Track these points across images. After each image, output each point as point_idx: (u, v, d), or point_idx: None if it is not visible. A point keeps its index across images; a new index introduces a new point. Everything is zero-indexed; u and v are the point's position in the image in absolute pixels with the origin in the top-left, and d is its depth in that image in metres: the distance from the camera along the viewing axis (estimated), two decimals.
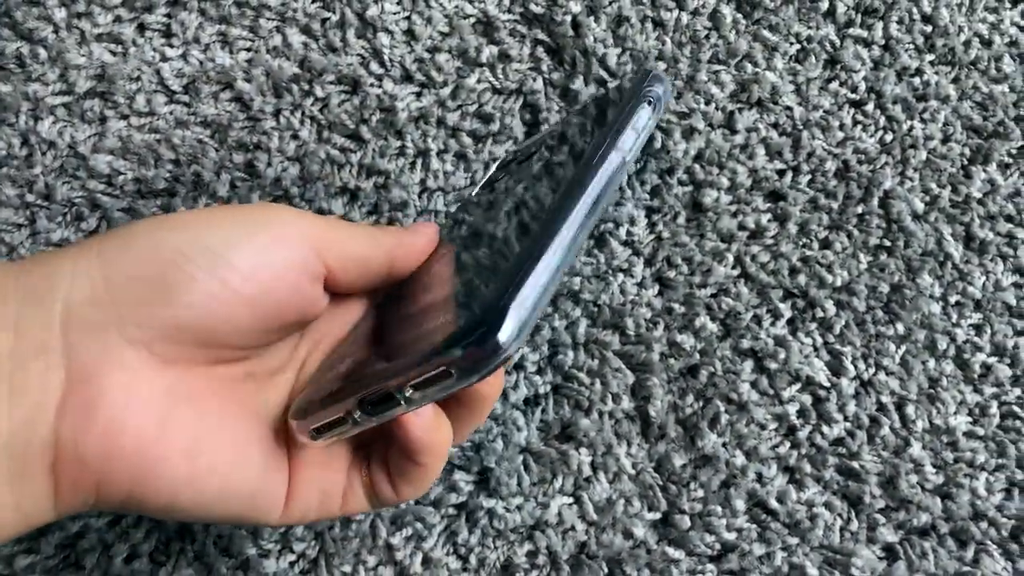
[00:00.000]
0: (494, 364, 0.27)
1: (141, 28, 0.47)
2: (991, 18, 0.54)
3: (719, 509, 0.45)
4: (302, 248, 0.31)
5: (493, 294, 0.28)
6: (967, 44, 0.53)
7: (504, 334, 0.27)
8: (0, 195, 0.44)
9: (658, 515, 0.45)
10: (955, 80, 0.53)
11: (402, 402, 0.29)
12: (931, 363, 0.48)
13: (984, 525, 0.45)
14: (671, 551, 0.44)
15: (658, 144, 0.49)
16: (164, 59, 0.47)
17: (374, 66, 0.48)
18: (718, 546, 0.44)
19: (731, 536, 0.44)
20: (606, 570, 0.43)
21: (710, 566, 0.44)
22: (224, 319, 0.29)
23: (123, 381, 0.27)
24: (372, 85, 0.48)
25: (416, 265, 0.36)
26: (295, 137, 0.47)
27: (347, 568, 0.42)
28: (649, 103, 0.40)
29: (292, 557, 0.42)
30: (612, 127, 0.38)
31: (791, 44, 0.52)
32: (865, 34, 0.52)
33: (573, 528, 0.44)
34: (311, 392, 0.32)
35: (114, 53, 0.47)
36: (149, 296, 0.28)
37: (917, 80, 0.53)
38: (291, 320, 0.32)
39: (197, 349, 0.29)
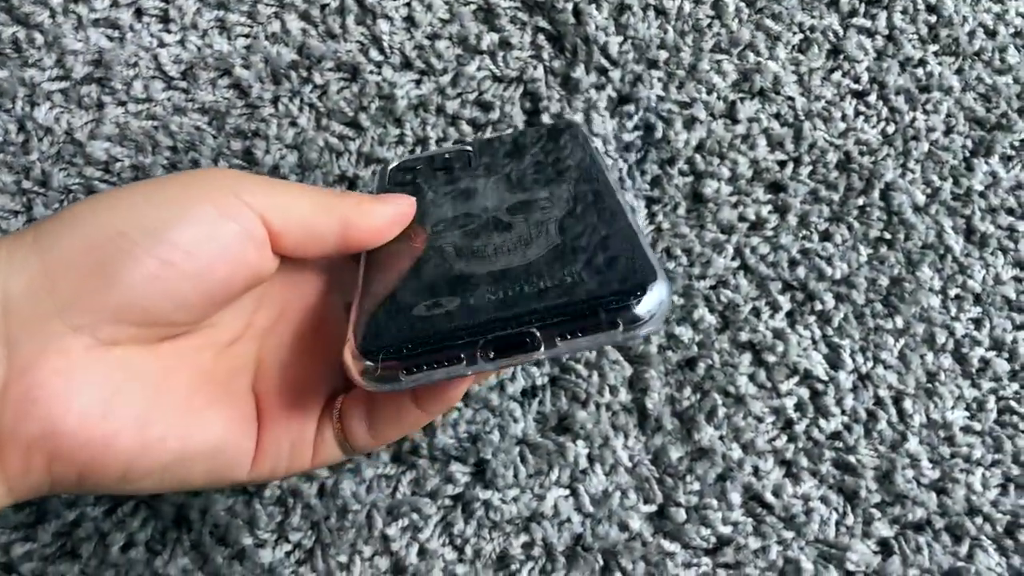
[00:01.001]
0: (649, 326, 0.27)
1: (138, 13, 0.46)
2: (996, 8, 0.52)
3: (715, 502, 0.44)
4: (244, 215, 0.30)
5: (633, 257, 0.29)
6: (971, 34, 0.52)
7: (661, 293, 0.27)
8: None
9: (654, 508, 0.44)
10: (959, 71, 0.52)
11: (541, 349, 0.27)
12: (929, 357, 0.47)
13: (979, 520, 0.45)
14: (667, 544, 0.43)
15: (659, 134, 0.48)
16: (161, 45, 0.46)
17: (373, 53, 0.47)
18: (714, 539, 0.43)
19: (727, 529, 0.44)
20: (601, 562, 0.43)
21: (705, 559, 0.43)
22: (168, 297, 0.29)
23: (64, 367, 0.27)
24: (371, 72, 0.47)
25: (380, 238, 0.33)
26: (293, 124, 0.46)
27: (343, 558, 0.42)
28: None
29: (288, 547, 0.42)
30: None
31: (794, 34, 0.51)
32: (869, 24, 0.51)
33: (569, 520, 0.43)
34: (384, 327, 0.29)
35: (111, 38, 0.46)
36: (89, 282, 0.27)
37: (920, 71, 0.51)
38: (239, 288, 0.31)
39: (144, 328, 0.29)
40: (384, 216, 0.33)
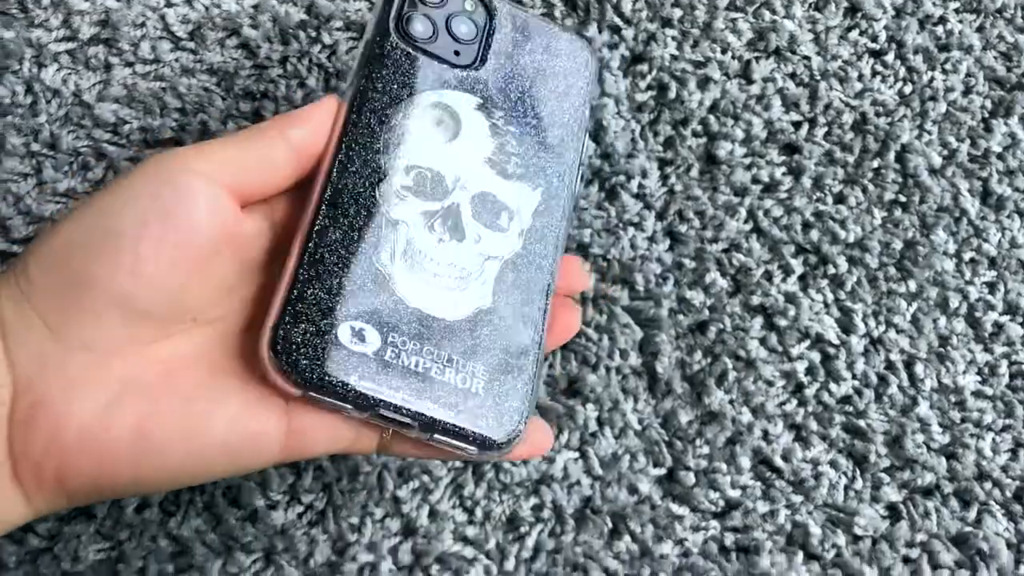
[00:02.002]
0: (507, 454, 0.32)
1: None
2: None
3: (724, 466, 0.43)
4: (179, 176, 0.29)
5: (517, 403, 0.32)
6: None
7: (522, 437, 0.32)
8: (5, 144, 0.42)
9: (663, 471, 0.43)
10: (979, 29, 0.50)
11: (414, 432, 0.31)
12: (942, 321, 0.46)
13: (988, 485, 0.44)
14: (675, 507, 0.43)
15: (672, 94, 0.47)
16: (169, 5, 0.45)
17: None
18: (722, 503, 0.43)
19: (735, 493, 0.43)
20: (610, 525, 0.42)
21: (714, 523, 0.43)
22: (141, 287, 0.28)
23: (61, 384, 0.28)
24: None
25: (317, 128, 0.32)
26: (302, 85, 0.45)
27: (354, 520, 0.41)
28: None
29: (300, 508, 0.41)
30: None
31: None
32: None
33: (578, 483, 0.43)
34: (302, 339, 0.30)
35: None
36: (62, 295, 0.28)
37: (940, 29, 0.50)
38: (223, 269, 0.31)
39: (135, 328, 0.29)
40: (311, 114, 0.32)
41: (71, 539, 0.40)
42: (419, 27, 0.35)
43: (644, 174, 0.46)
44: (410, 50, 0.35)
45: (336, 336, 0.30)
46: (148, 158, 0.30)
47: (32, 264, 0.28)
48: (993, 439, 0.45)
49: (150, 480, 0.29)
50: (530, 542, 0.42)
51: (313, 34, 0.45)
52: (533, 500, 0.42)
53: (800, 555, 0.42)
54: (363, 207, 0.32)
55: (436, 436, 0.31)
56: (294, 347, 0.30)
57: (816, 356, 0.45)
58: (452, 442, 0.31)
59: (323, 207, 0.32)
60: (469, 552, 0.41)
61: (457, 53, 0.36)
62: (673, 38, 0.48)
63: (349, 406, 0.30)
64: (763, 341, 0.45)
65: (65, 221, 0.29)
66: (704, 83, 0.47)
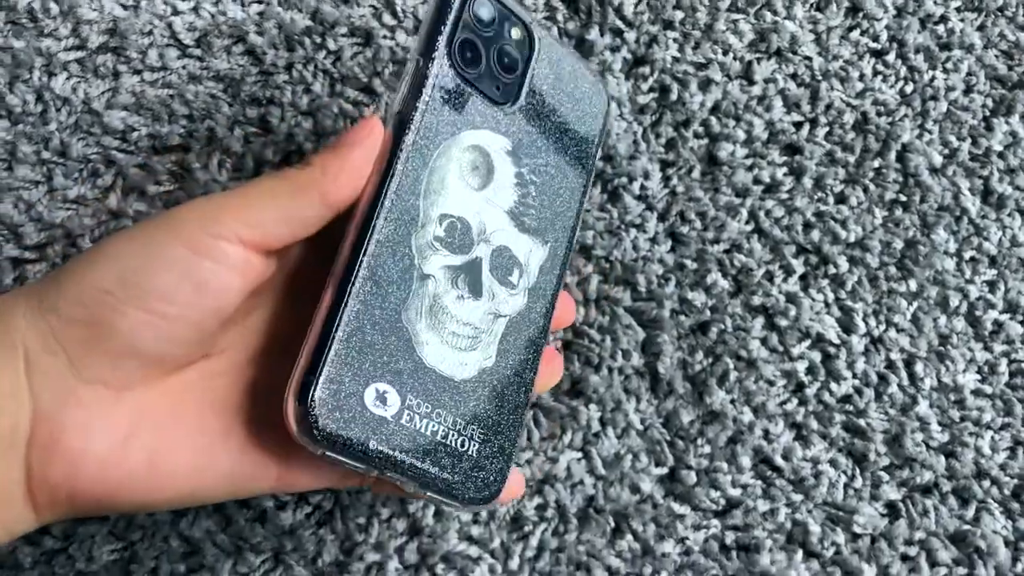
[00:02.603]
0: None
1: None
2: None
3: (725, 465, 0.43)
4: (217, 249, 0.29)
5: (501, 469, 0.33)
6: None
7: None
8: (17, 152, 0.43)
9: (665, 470, 0.44)
10: (980, 27, 0.50)
11: (410, 489, 0.32)
12: (942, 320, 0.46)
13: (986, 484, 0.44)
14: (677, 506, 0.43)
15: (674, 96, 0.47)
16: (176, 13, 0.45)
17: (387, 17, 0.46)
18: (723, 502, 0.43)
19: (736, 492, 0.43)
20: (613, 524, 0.43)
21: (715, 521, 0.43)
22: (162, 340, 0.29)
23: (82, 418, 0.29)
24: (385, 37, 0.46)
25: (358, 183, 0.31)
26: (308, 91, 0.45)
27: (361, 520, 0.42)
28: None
29: (308, 509, 0.42)
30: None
31: None
32: None
33: (582, 482, 0.43)
34: (329, 402, 0.29)
35: (125, 7, 0.44)
36: (88, 338, 0.29)
37: (941, 28, 0.49)
38: (233, 307, 0.31)
39: (150, 370, 0.30)
40: (354, 167, 0.31)
41: (85, 540, 0.40)
42: (470, 54, 0.33)
43: (646, 176, 0.46)
44: (459, 80, 0.32)
45: (363, 399, 0.30)
46: (185, 209, 0.30)
47: (62, 304, 0.29)
48: (992, 437, 0.45)
49: (155, 505, 0.31)
50: (534, 541, 0.42)
51: (318, 40, 0.45)
52: (537, 500, 0.43)
53: (800, 553, 0.43)
54: (400, 259, 0.31)
55: (429, 493, 0.32)
56: (322, 408, 0.29)
57: (817, 356, 0.45)
58: (441, 499, 0.32)
59: (363, 257, 0.30)
60: (474, 551, 0.42)
61: (498, 88, 0.34)
62: (675, 40, 0.47)
63: (362, 466, 0.30)
64: (764, 341, 0.45)
65: (100, 258, 0.29)
66: (706, 85, 0.47)
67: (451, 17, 0.32)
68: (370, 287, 0.30)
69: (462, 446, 0.32)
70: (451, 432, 0.32)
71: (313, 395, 0.29)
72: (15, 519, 0.29)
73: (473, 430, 0.32)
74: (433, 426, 0.31)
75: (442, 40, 0.32)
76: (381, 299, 0.30)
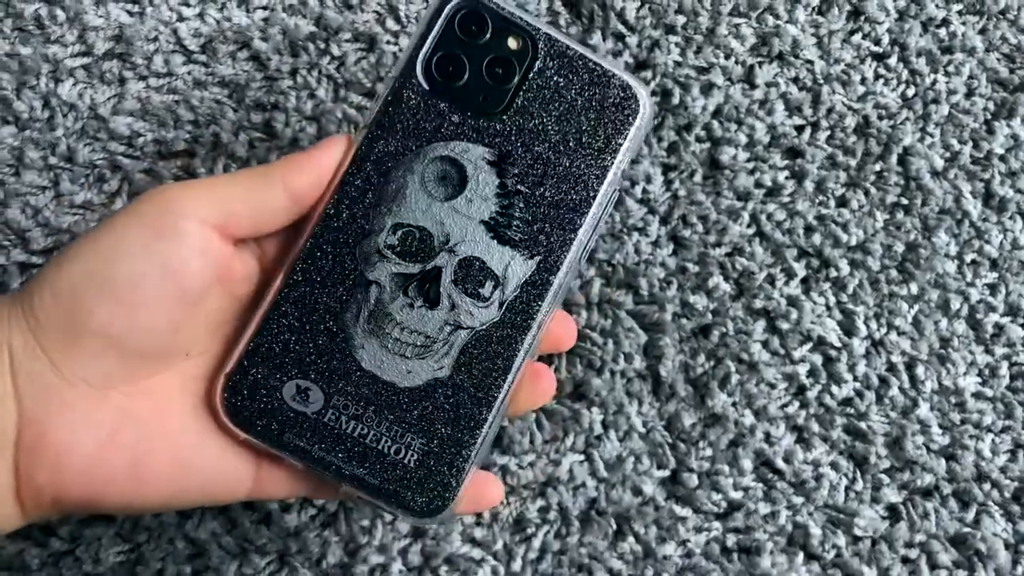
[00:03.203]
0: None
1: None
2: None
3: (726, 468, 0.43)
4: (178, 228, 0.29)
5: (451, 479, 0.33)
6: None
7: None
8: (24, 158, 0.43)
9: (667, 473, 0.43)
10: (982, 31, 0.49)
11: (340, 489, 0.33)
12: (943, 323, 0.46)
13: (987, 487, 0.44)
14: (678, 509, 0.43)
15: (676, 100, 0.46)
16: (181, 19, 0.45)
17: (390, 23, 0.46)
18: (724, 504, 0.43)
19: (737, 495, 0.43)
20: (615, 526, 0.42)
21: (716, 524, 0.43)
22: (137, 330, 0.29)
23: (66, 416, 0.29)
24: (388, 43, 0.46)
25: (321, 179, 0.32)
26: (312, 96, 0.45)
27: (365, 522, 0.42)
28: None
29: (313, 511, 0.42)
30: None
31: None
32: None
33: (584, 485, 0.43)
34: (251, 392, 0.32)
35: (131, 13, 0.44)
36: (66, 335, 0.29)
37: (943, 31, 0.49)
38: (202, 293, 0.31)
39: (130, 365, 0.30)
40: (318, 162, 0.32)
41: (92, 542, 0.40)
42: (449, 68, 0.33)
43: (648, 179, 0.46)
44: (433, 95, 0.32)
45: (281, 393, 0.32)
46: (147, 195, 0.30)
47: (37, 301, 0.29)
48: (992, 440, 0.45)
49: (138, 506, 0.31)
50: (536, 543, 0.42)
51: (322, 46, 0.45)
52: (540, 502, 0.43)
53: (801, 555, 0.43)
54: (339, 264, 0.32)
55: (361, 496, 0.32)
56: (241, 396, 0.31)
57: (818, 359, 0.45)
58: (378, 504, 0.32)
59: (300, 260, 0.32)
60: (477, 553, 0.42)
61: (485, 98, 0.33)
62: (676, 44, 0.47)
63: (286, 456, 0.32)
64: (765, 344, 0.45)
65: (69, 257, 0.30)
66: (707, 89, 0.47)
67: (431, 33, 0.32)
68: (305, 288, 0.32)
69: (397, 453, 0.32)
70: (384, 438, 0.32)
71: (235, 383, 0.31)
72: (4, 519, 0.29)
73: (412, 439, 0.32)
74: (362, 429, 0.32)
75: (416, 56, 0.32)
76: (314, 300, 0.32)
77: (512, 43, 0.33)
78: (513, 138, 0.33)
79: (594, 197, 0.33)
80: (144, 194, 0.30)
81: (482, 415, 0.33)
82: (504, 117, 0.33)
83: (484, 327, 0.33)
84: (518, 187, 0.33)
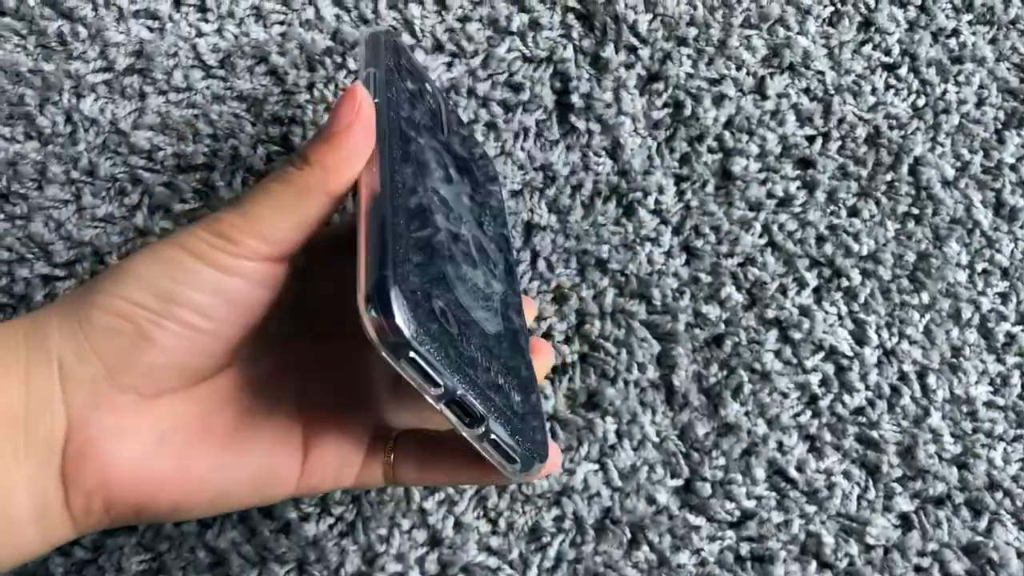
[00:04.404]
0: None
1: (177, 3, 0.45)
2: None
3: (740, 477, 0.43)
4: (242, 268, 0.29)
5: (544, 434, 0.30)
6: (1007, 2, 0.49)
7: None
8: (47, 172, 0.43)
9: (680, 482, 0.43)
10: (992, 41, 0.49)
11: (471, 431, 0.27)
12: (955, 332, 0.45)
13: (999, 495, 0.43)
14: (692, 517, 0.43)
15: (688, 111, 0.46)
16: (200, 34, 0.45)
17: (405, 37, 0.45)
18: (738, 513, 0.43)
19: (751, 504, 0.43)
20: (629, 535, 0.42)
21: (729, 532, 0.43)
22: (195, 353, 0.30)
23: (114, 423, 0.29)
24: None
25: (358, 166, 0.30)
26: (329, 110, 0.44)
27: (383, 531, 0.42)
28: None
29: (331, 520, 0.42)
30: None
31: (824, 7, 0.48)
32: None
33: (598, 494, 0.43)
34: (414, 306, 0.25)
35: (151, 29, 0.44)
36: (122, 348, 0.29)
37: (953, 41, 0.48)
38: (260, 320, 0.31)
39: (183, 380, 0.30)
40: (353, 153, 0.30)
41: (114, 551, 0.40)
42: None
43: (661, 190, 0.46)
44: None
45: (432, 310, 0.26)
46: (203, 227, 0.30)
47: (96, 315, 0.29)
48: (1004, 449, 0.44)
49: (186, 511, 0.30)
50: (552, 552, 0.42)
51: (339, 60, 0.45)
52: (555, 511, 0.42)
53: (813, 564, 0.42)
54: (418, 202, 0.30)
55: (485, 444, 0.27)
56: (403, 299, 0.25)
57: (830, 368, 0.45)
58: (496, 455, 0.28)
59: (388, 182, 0.28)
60: (493, 562, 0.42)
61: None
62: (688, 56, 0.47)
63: (431, 388, 0.26)
64: (778, 354, 0.45)
65: (126, 277, 0.29)
66: (719, 100, 0.47)
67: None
68: (402, 216, 0.28)
69: (510, 393, 0.28)
70: (499, 375, 0.28)
71: (391, 285, 0.25)
72: (53, 528, 0.29)
73: (512, 381, 0.29)
74: (485, 360, 0.28)
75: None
76: (411, 233, 0.28)
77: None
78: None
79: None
80: (196, 228, 0.30)
81: (528, 367, 0.32)
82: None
83: (502, 294, 0.33)
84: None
